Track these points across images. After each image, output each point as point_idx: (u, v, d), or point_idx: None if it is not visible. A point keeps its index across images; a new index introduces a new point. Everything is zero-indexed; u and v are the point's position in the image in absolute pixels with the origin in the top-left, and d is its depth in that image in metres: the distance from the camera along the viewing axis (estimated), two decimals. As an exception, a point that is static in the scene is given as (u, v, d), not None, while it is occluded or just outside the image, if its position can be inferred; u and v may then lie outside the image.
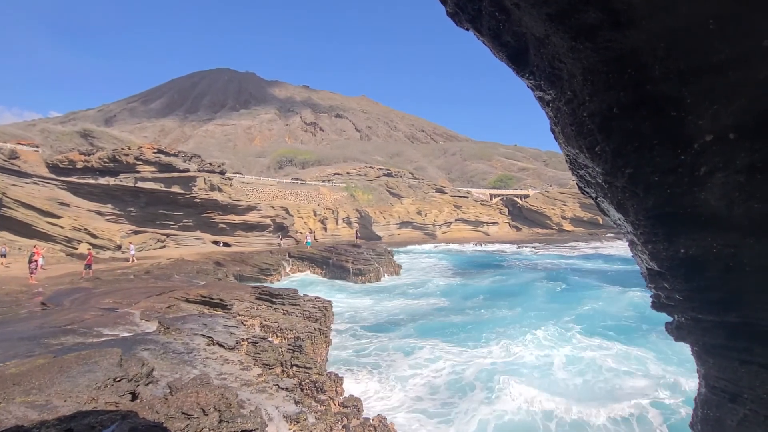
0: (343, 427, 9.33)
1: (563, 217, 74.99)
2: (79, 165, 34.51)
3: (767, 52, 1.36)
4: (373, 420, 9.75)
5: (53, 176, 33.82)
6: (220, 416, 7.29)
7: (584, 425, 10.03)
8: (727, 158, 1.59)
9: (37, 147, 37.46)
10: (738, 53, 1.42)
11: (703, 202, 1.74)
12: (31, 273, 20.14)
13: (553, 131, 2.26)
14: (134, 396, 7.71)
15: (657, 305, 2.49)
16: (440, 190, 75.48)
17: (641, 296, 21.36)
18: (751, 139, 1.51)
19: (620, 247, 51.54)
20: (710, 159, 1.64)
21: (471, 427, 10.01)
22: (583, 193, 2.42)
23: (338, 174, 73.81)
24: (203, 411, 7.27)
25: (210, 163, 40.88)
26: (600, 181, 2.05)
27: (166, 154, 37.12)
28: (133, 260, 27.57)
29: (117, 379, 7.62)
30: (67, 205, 32.78)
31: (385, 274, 34.36)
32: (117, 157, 34.94)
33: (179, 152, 39.38)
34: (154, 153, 36.30)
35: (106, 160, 34.91)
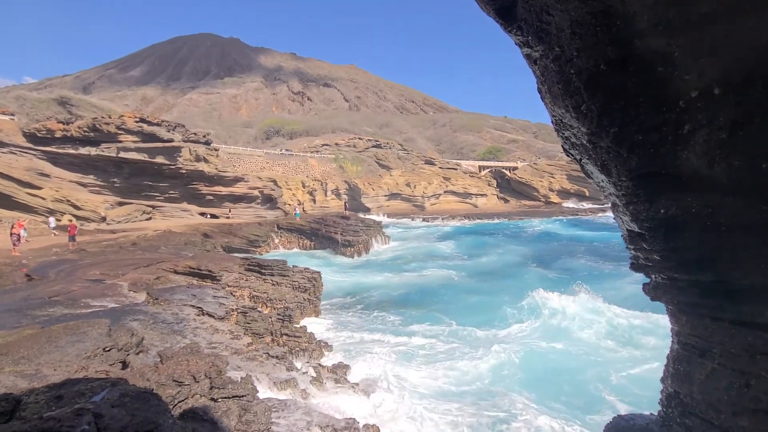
0: (332, 391, 9.59)
1: (551, 189, 75.70)
2: (58, 134, 33.36)
3: (756, 0, 1.33)
4: (360, 384, 10.04)
5: (31, 146, 32.69)
6: (211, 383, 7.41)
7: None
8: (711, 114, 1.59)
9: (12, 115, 35.99)
10: (727, 2, 1.39)
11: (685, 161, 1.75)
12: (14, 245, 19.81)
13: (539, 91, 2.23)
14: (124, 365, 7.77)
15: (635, 266, 2.55)
16: (429, 162, 75.23)
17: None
18: (735, 94, 1.51)
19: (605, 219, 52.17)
20: (694, 116, 1.63)
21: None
22: (568, 155, 2.42)
23: (327, 145, 72.77)
24: (194, 378, 7.38)
25: (195, 133, 39.89)
26: (585, 142, 2.04)
27: (149, 123, 36.04)
28: (54, 234, 26.47)
29: (107, 349, 7.64)
30: (47, 175, 31.88)
31: (375, 245, 34.61)
32: (97, 126, 33.82)
33: (162, 121, 38.28)
34: (136, 122, 35.21)
35: (86, 129, 33.78)
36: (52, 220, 27.91)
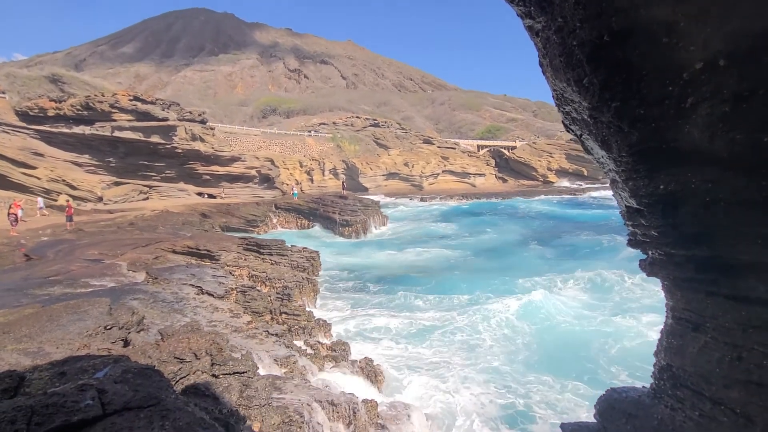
0: (332, 368, 9.75)
1: (549, 169, 75.38)
2: (51, 113, 32.80)
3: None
4: (360, 362, 10.20)
5: (24, 124, 32.16)
6: (212, 360, 7.52)
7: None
8: (715, 87, 1.56)
9: (3, 93, 35.28)
10: (737, -32, 1.34)
11: (686, 136, 1.73)
12: (12, 225, 19.77)
13: (541, 64, 2.19)
14: (126, 343, 7.86)
15: (633, 242, 2.56)
16: (428, 141, 74.53)
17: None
18: (740, 65, 1.48)
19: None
20: (698, 89, 1.60)
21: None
22: (569, 131, 2.39)
23: (324, 124, 71.83)
24: (195, 355, 7.48)
25: (190, 112, 39.29)
26: (586, 117, 2.01)
27: (143, 101, 35.44)
28: (40, 213, 26.49)
29: (108, 327, 7.71)
30: (41, 155, 31.49)
31: (373, 224, 34.66)
32: (91, 104, 33.24)
33: (157, 100, 37.65)
34: (130, 100, 34.62)
35: (79, 107, 33.20)
36: (40, 200, 27.67)
